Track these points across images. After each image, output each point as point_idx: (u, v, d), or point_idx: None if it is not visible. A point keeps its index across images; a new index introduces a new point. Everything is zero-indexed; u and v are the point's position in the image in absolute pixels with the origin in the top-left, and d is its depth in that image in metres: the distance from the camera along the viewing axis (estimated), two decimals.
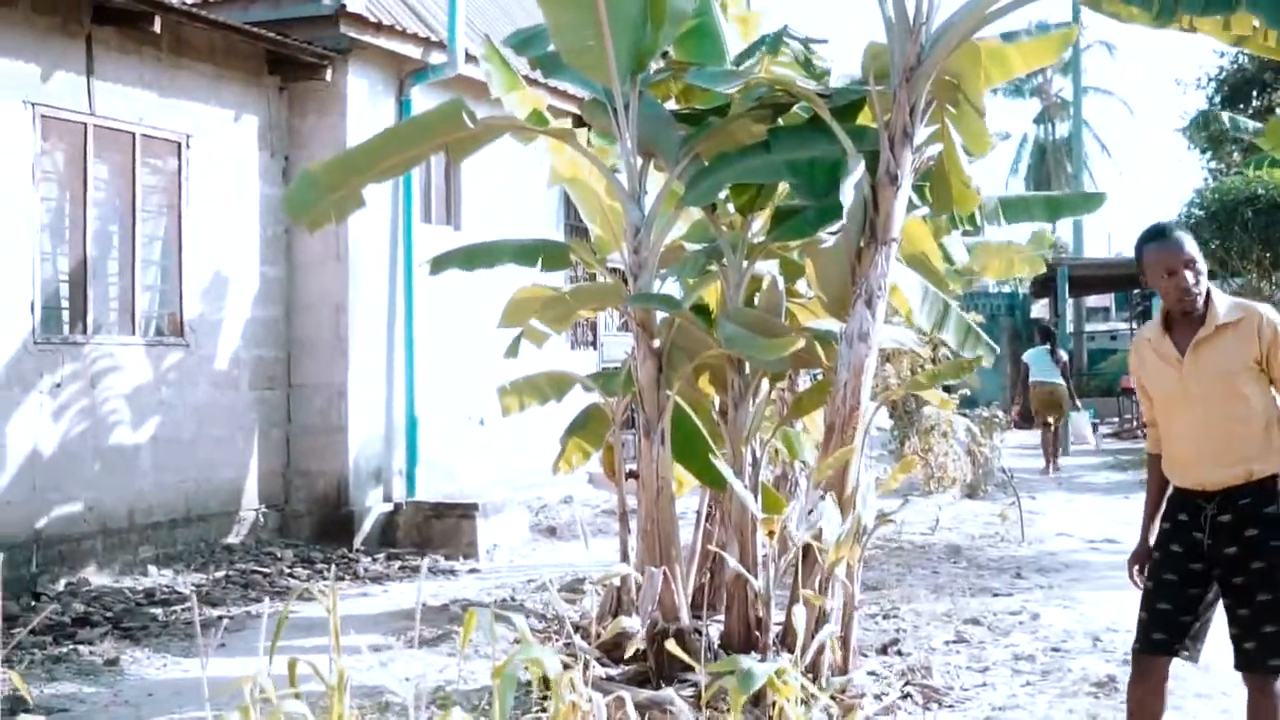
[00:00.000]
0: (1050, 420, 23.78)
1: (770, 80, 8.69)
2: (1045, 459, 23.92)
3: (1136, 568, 6.27)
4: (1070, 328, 36.43)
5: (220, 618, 10.77)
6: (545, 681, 4.15)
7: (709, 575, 10.35)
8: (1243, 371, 5.84)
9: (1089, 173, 58.44)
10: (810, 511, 7.90)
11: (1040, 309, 44.86)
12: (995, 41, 8.77)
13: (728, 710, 7.14)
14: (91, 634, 10.10)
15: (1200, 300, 5.90)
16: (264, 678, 3.94)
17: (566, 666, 4.85)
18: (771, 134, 8.84)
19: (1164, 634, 5.93)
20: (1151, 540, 6.22)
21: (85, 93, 12.13)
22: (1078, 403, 26.17)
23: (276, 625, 4.28)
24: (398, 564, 13.48)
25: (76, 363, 12.04)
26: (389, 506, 14.76)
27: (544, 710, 6.14)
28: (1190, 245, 5.90)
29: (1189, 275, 5.85)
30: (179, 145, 13.25)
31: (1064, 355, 24.84)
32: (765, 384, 9.39)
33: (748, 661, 5.18)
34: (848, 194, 7.84)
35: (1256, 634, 5.77)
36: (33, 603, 11.02)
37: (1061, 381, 23.88)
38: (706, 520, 10.33)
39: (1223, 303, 5.93)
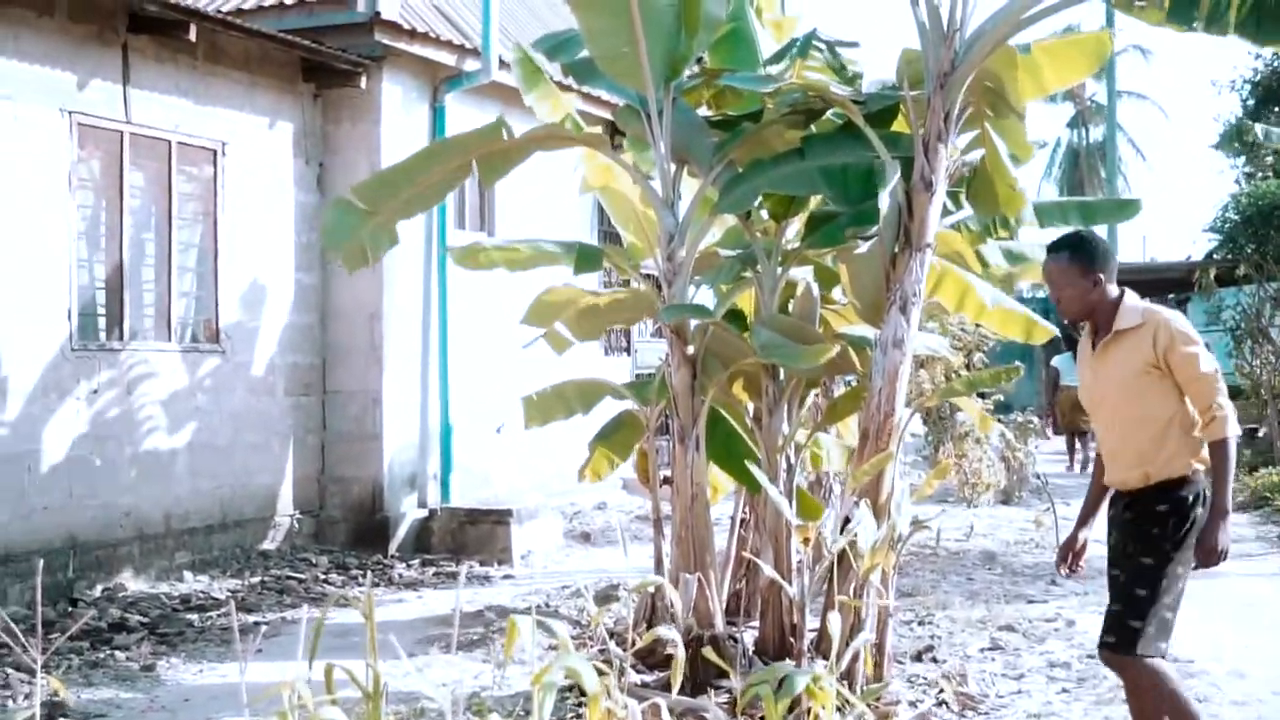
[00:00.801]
0: (1078, 422, 24.03)
1: (804, 86, 8.68)
2: (1070, 458, 24.74)
3: (1060, 559, 6.72)
4: None
5: (256, 624, 10.79)
6: (580, 688, 4.15)
7: (743, 582, 10.34)
8: (1141, 376, 6.08)
9: (1123, 177, 58.19)
10: (846, 518, 7.90)
11: None
12: (1028, 54, 8.73)
13: (763, 717, 7.16)
14: (128, 640, 10.14)
15: (1075, 311, 6.29)
16: (301, 684, 3.95)
17: (601, 673, 4.85)
18: (805, 140, 8.84)
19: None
20: (1081, 535, 6.67)
21: (121, 101, 12.19)
22: None
23: (314, 631, 4.29)
24: (432, 570, 13.50)
25: (113, 369, 12.10)
26: (423, 512, 14.78)
27: (579, 717, 6.15)
28: (1067, 259, 6.25)
29: (1064, 289, 6.25)
30: (214, 153, 13.30)
31: None
32: (800, 390, 9.38)
33: (785, 669, 5.19)
34: (883, 200, 7.83)
35: (1109, 611, 6.18)
36: (70, 608, 11.07)
37: None
38: (741, 526, 10.32)
39: (1131, 309, 6.18)
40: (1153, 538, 6.02)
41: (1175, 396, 6.06)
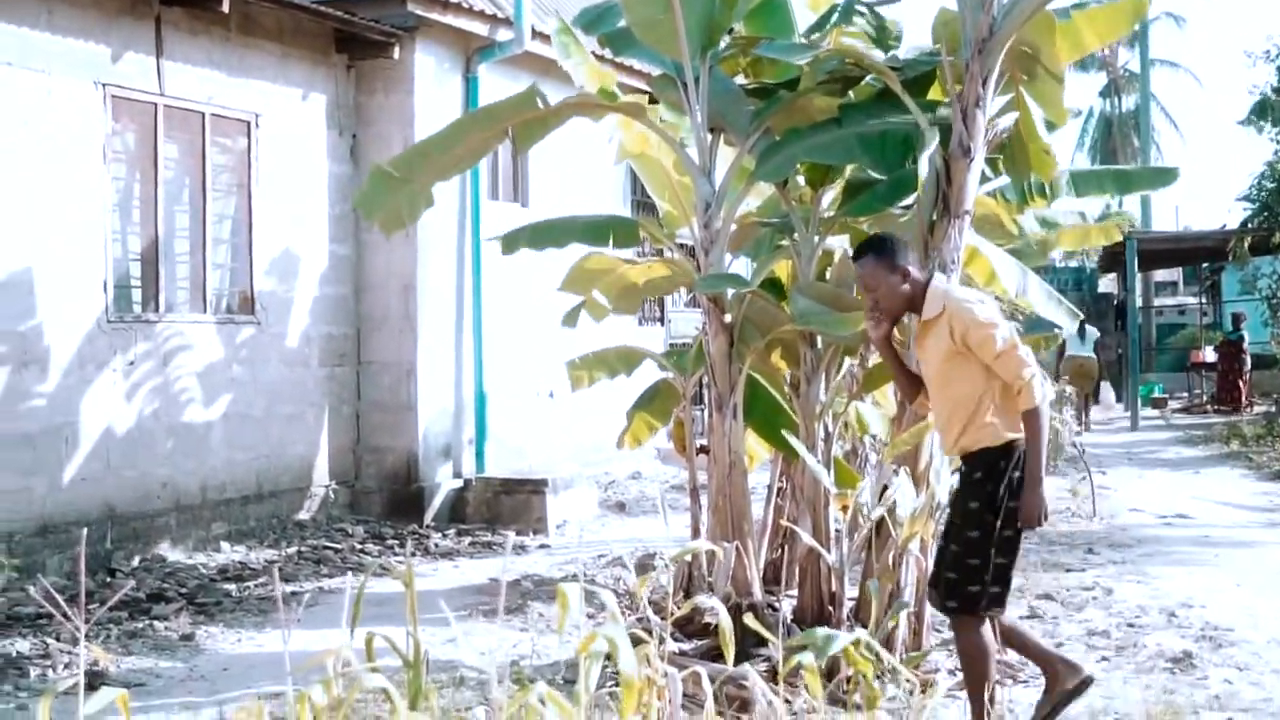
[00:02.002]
0: (1084, 387, 26.24)
1: (841, 52, 8.63)
2: (1078, 419, 25.51)
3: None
4: (1139, 302, 36.03)
5: (294, 594, 10.81)
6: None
7: (780, 551, 10.33)
8: (949, 359, 6.52)
9: (1156, 146, 57.84)
10: (884, 486, 7.87)
11: (1108, 283, 44.52)
12: (1065, 16, 8.65)
13: (802, 686, 7.14)
14: (166, 609, 10.17)
15: (895, 306, 6.69)
16: (347, 651, 3.95)
17: (641, 641, 4.84)
18: (842, 108, 8.79)
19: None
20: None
21: (155, 73, 12.19)
22: (1105, 374, 29.41)
23: (355, 600, 4.29)
24: (468, 540, 13.51)
25: (149, 341, 12.13)
26: (458, 482, 14.80)
27: (618, 685, 6.14)
28: (873, 260, 6.68)
29: (879, 289, 6.66)
30: (248, 124, 13.30)
31: (1095, 332, 27.12)
32: (837, 358, 9.34)
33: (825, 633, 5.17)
34: (922, 167, 7.79)
35: (942, 578, 6.57)
36: (108, 579, 11.12)
37: (1092, 355, 26.74)
38: (777, 495, 10.30)
39: (933, 299, 6.59)
40: (973, 512, 6.43)
41: (984, 373, 6.45)
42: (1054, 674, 6.83)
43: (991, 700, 6.52)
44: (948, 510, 6.77)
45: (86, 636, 8.94)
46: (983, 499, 6.43)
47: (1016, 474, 6.38)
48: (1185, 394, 35.74)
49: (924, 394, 6.96)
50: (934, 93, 8.93)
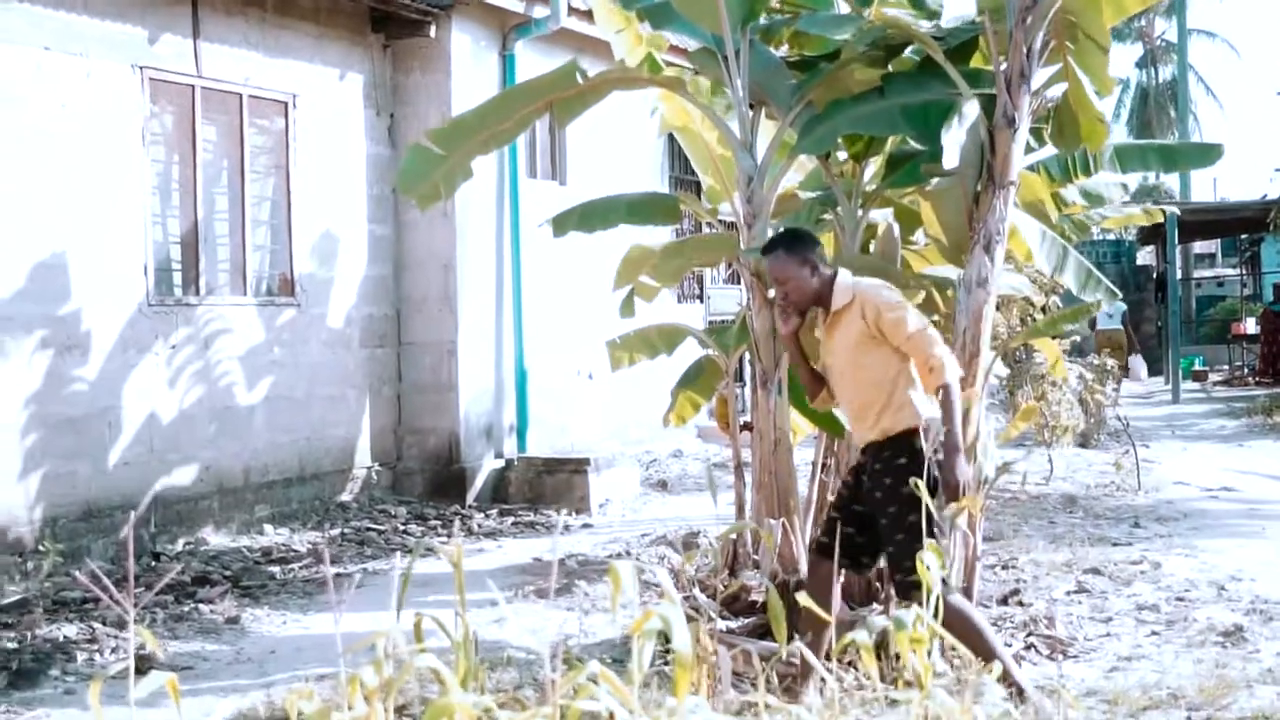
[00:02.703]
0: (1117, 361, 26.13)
1: (884, 24, 8.54)
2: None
3: None
4: (1179, 274, 35.83)
5: (338, 575, 10.81)
6: (665, 635, 4.12)
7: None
8: (861, 344, 6.78)
9: (1193, 116, 57.45)
10: None
11: (1146, 256, 44.31)
12: None
13: (850, 663, 7.10)
14: (211, 593, 10.16)
15: (803, 298, 6.92)
16: (398, 632, 3.91)
17: (690, 619, 4.80)
18: (884, 79, 8.71)
19: (828, 539, 6.87)
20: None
21: (192, 55, 12.17)
22: (1136, 346, 30.36)
23: (402, 580, 4.26)
24: (510, 520, 13.50)
25: (190, 324, 12.13)
26: (500, 463, 14.78)
27: (668, 664, 6.11)
28: (783, 254, 6.93)
29: (787, 282, 6.90)
30: (285, 105, 13.29)
31: (1122, 305, 27.62)
32: None
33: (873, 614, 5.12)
34: (961, 138, 7.72)
35: (900, 569, 6.64)
36: (152, 563, 11.13)
37: (1120, 328, 27.95)
38: (821, 471, 10.24)
39: (841, 289, 6.86)
40: (906, 497, 6.48)
41: (896, 357, 6.74)
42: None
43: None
44: (878, 503, 6.78)
45: (135, 622, 8.95)
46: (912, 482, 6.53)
47: (937, 455, 6.61)
48: (1226, 366, 35.52)
49: (827, 390, 7.23)
50: (976, 62, 8.85)
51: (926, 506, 6.23)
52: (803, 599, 5.13)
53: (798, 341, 7.19)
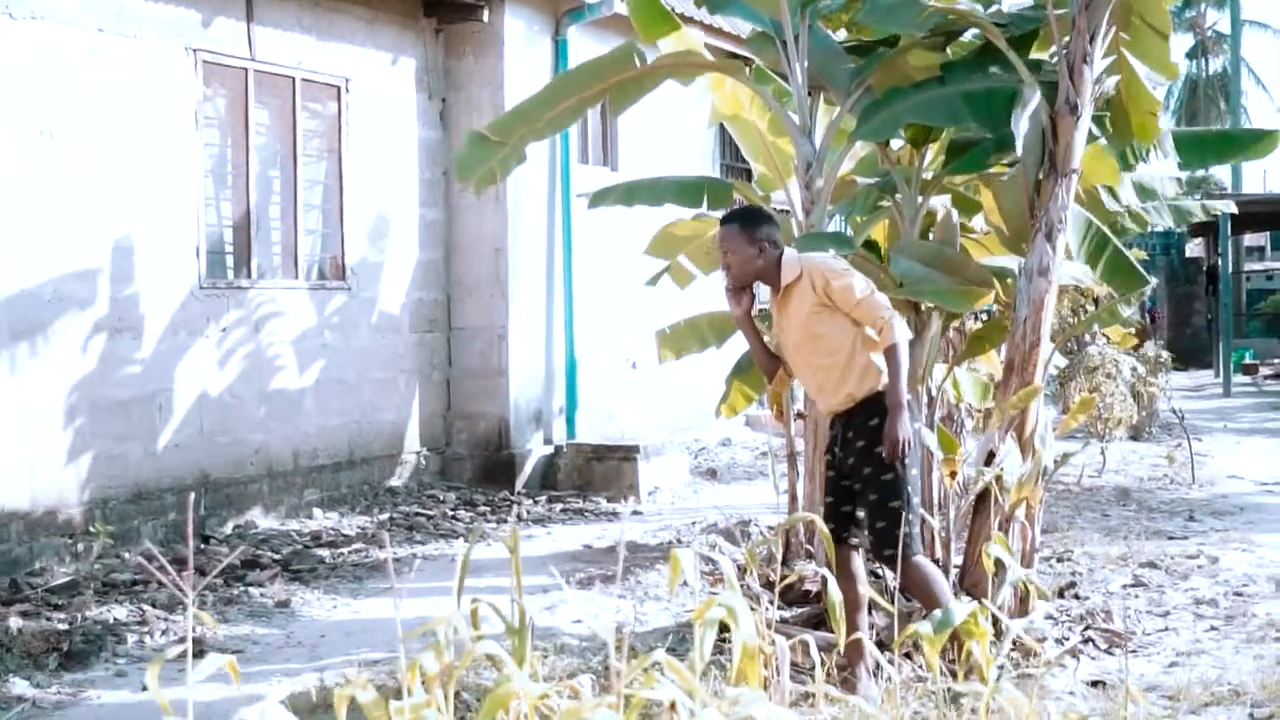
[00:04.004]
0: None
1: (945, 10, 8.44)
2: None
3: None
4: (1230, 267, 35.51)
5: (387, 559, 10.80)
6: (726, 624, 4.07)
7: None
8: (814, 315, 6.96)
9: (1244, 108, 57.00)
10: (990, 452, 7.74)
11: (1195, 248, 44.01)
12: None
13: (907, 654, 7.04)
14: (261, 576, 10.15)
15: (743, 274, 7.14)
16: (459, 618, 3.86)
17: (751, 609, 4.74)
18: (944, 66, 8.61)
19: (834, 524, 6.90)
20: None
21: (245, 38, 12.15)
22: (1153, 334, 29.52)
23: (461, 566, 4.22)
24: (559, 506, 13.45)
25: (241, 308, 12.12)
26: (549, 449, 14.73)
27: (723, 652, 6.06)
28: (737, 229, 7.11)
29: (733, 256, 7.09)
30: (338, 89, 13.26)
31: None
32: (937, 321, 9.17)
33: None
34: (1023, 124, 7.63)
35: (873, 529, 6.88)
36: (201, 545, 11.13)
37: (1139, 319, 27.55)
38: None
39: (789, 265, 7.04)
40: (879, 457, 6.78)
41: (849, 323, 6.92)
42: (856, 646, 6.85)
43: None
44: (854, 467, 6.96)
45: (186, 604, 8.95)
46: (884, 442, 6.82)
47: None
48: (1277, 360, 35.27)
49: (784, 368, 7.44)
50: (1036, 50, 8.76)
51: (902, 467, 6.75)
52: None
53: (750, 322, 7.35)
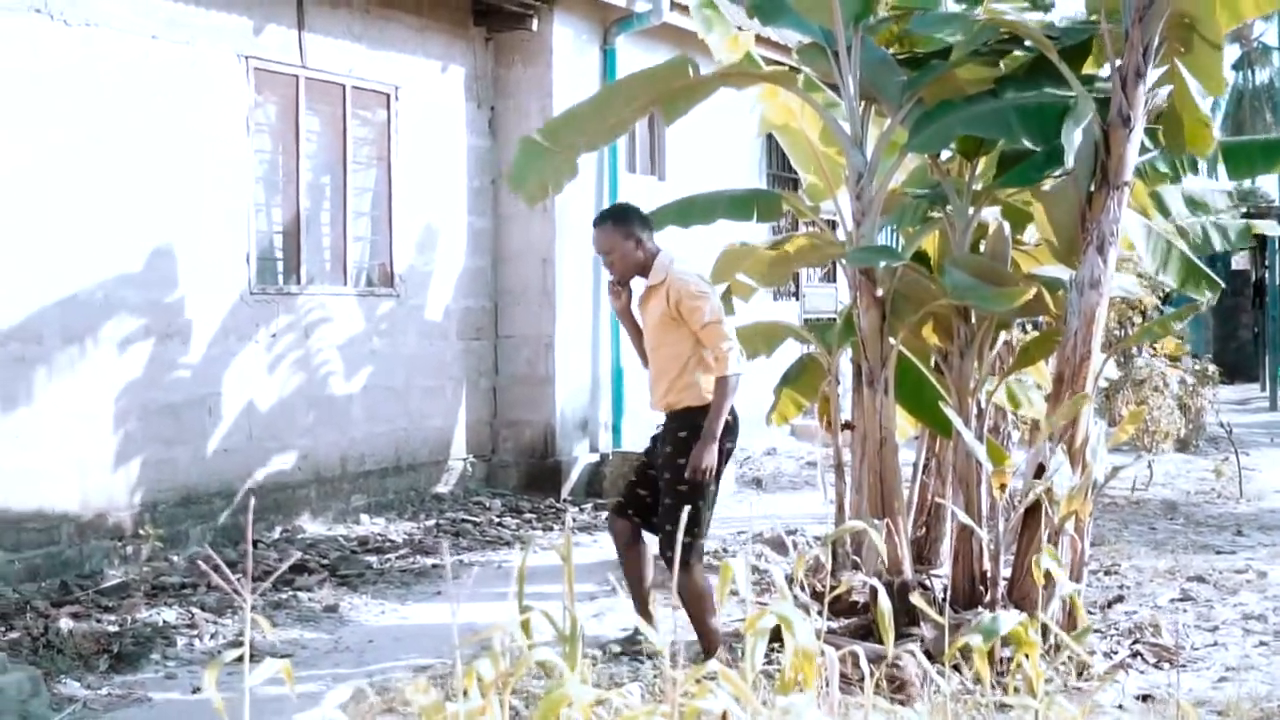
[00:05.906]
0: None
1: (998, 24, 8.44)
2: None
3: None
4: (1278, 280, 35.22)
5: (434, 566, 10.84)
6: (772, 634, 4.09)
7: (924, 529, 10.20)
8: (665, 321, 7.47)
9: None
10: (1040, 464, 7.73)
11: (1241, 260, 43.72)
12: None
13: (955, 666, 7.02)
14: (309, 581, 10.20)
15: (625, 269, 7.63)
16: (515, 625, 3.89)
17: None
18: (997, 80, 8.60)
19: (632, 508, 7.75)
20: None
21: (297, 45, 12.21)
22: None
23: (518, 574, 4.24)
24: (604, 514, 13.44)
25: (291, 314, 12.17)
26: (595, 457, 14.74)
27: (770, 662, 6.07)
28: (611, 226, 7.64)
29: (613, 252, 7.59)
30: (388, 97, 13.31)
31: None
32: (991, 333, 9.16)
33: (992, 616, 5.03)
34: (1075, 137, 7.62)
35: (661, 528, 7.50)
36: (250, 549, 11.15)
37: None
38: (923, 473, 10.17)
39: (659, 267, 7.53)
40: (683, 468, 7.28)
41: (692, 340, 7.41)
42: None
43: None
44: (659, 468, 7.52)
45: (234, 608, 8.97)
46: (687, 454, 7.31)
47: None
48: None
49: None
50: (1088, 66, 8.75)
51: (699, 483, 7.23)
52: (915, 600, 5.08)
53: (630, 315, 7.86)
